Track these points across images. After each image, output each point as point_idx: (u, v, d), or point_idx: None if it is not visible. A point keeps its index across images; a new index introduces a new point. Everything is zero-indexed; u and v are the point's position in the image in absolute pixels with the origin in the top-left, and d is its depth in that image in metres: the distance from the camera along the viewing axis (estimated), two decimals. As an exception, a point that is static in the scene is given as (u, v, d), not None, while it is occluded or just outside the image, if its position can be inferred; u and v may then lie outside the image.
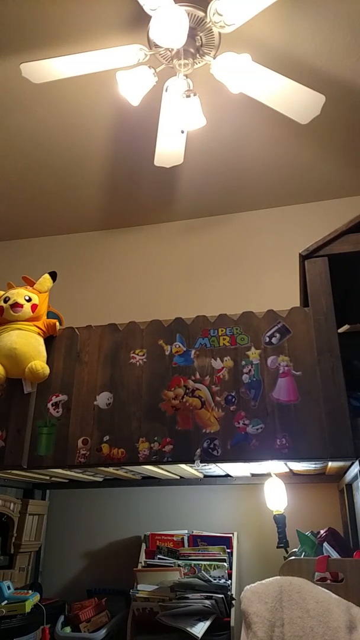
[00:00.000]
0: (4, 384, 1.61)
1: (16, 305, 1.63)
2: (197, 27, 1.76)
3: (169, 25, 1.56)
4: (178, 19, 1.56)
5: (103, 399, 1.57)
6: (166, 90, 1.91)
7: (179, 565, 1.86)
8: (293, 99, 1.86)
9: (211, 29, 1.76)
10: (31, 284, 1.73)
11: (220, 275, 2.77)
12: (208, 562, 1.86)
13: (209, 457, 1.43)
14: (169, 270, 2.88)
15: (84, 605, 1.87)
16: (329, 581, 1.29)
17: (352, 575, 1.27)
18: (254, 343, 1.54)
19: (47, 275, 1.75)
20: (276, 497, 1.84)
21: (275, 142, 2.44)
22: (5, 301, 1.64)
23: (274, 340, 1.54)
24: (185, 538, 2.02)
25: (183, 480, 2.15)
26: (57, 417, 1.58)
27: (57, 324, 1.70)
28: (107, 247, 3.05)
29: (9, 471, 1.67)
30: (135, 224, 3.05)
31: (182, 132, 2.01)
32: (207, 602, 1.63)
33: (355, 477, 1.65)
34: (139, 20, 1.81)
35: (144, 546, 2.03)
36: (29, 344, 1.59)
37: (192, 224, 2.99)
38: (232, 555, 1.91)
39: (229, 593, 1.72)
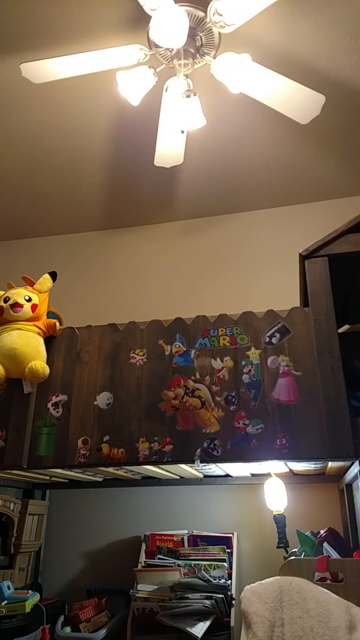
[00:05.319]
0: (4, 384, 1.61)
1: (16, 305, 1.63)
2: (197, 27, 1.76)
3: (169, 25, 1.56)
4: (178, 19, 1.56)
5: (103, 399, 1.57)
6: (166, 90, 1.91)
7: (179, 565, 1.85)
8: (293, 99, 1.86)
9: (211, 29, 1.76)
10: (31, 284, 1.73)
11: (220, 275, 2.77)
12: (208, 562, 1.86)
13: (209, 457, 1.43)
14: (168, 270, 2.88)
15: (84, 605, 1.87)
16: (329, 581, 1.29)
17: (352, 575, 1.28)
18: (254, 343, 1.54)
19: (47, 275, 1.75)
20: (276, 497, 1.84)
21: (275, 142, 2.44)
22: (5, 301, 1.64)
23: (274, 340, 1.53)
24: (185, 538, 2.01)
25: (183, 480, 2.15)
26: (57, 417, 1.58)
27: (57, 324, 1.70)
28: (107, 247, 3.05)
29: (9, 471, 1.67)
30: (135, 224, 3.05)
31: (182, 132, 2.01)
32: (207, 602, 1.63)
33: (355, 477, 1.65)
34: (139, 20, 1.81)
35: (144, 546, 2.03)
36: (29, 344, 1.59)
37: (192, 224, 2.99)
38: (232, 555, 1.91)
39: (229, 593, 1.72)
